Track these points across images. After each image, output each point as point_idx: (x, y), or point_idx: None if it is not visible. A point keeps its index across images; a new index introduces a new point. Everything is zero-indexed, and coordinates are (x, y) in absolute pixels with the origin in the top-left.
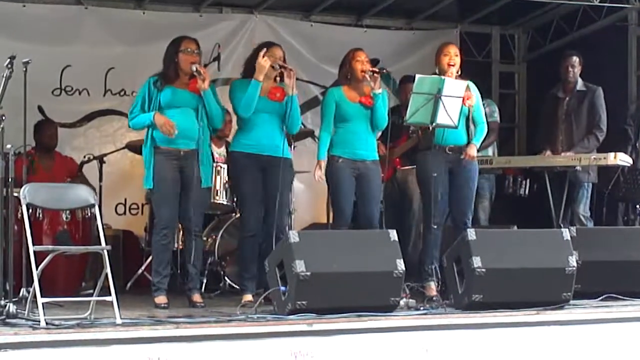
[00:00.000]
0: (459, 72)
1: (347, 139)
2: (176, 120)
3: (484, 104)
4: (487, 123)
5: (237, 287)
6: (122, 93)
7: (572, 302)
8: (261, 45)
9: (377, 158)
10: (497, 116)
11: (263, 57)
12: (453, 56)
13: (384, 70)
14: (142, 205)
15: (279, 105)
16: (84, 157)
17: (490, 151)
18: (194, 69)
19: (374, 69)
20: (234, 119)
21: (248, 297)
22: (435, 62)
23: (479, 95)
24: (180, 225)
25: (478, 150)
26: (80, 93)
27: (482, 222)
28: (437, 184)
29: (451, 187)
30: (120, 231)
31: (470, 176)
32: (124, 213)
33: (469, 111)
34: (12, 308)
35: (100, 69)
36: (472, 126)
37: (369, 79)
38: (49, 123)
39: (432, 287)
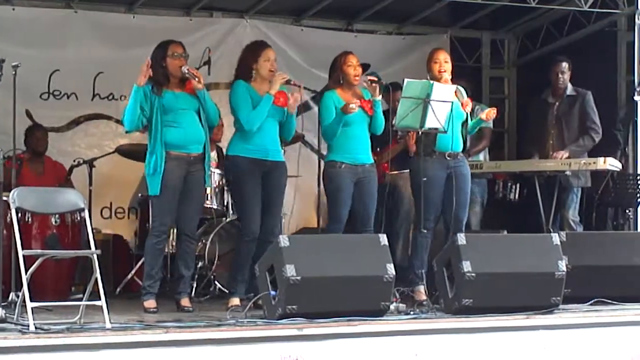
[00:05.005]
0: (450, 77)
1: (348, 144)
2: (184, 124)
3: (478, 109)
4: (480, 129)
5: (227, 292)
6: (110, 97)
7: (561, 306)
8: (253, 45)
9: (373, 161)
10: (490, 122)
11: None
12: (443, 63)
13: (383, 82)
14: (128, 209)
15: (282, 110)
16: (74, 161)
17: (481, 156)
18: (185, 71)
19: (373, 78)
20: (226, 122)
21: (235, 300)
22: (427, 69)
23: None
24: (174, 228)
25: (469, 156)
26: (68, 97)
27: (474, 226)
28: (430, 189)
29: (448, 193)
30: (110, 235)
31: (466, 182)
32: (110, 217)
33: (466, 117)
34: (1, 312)
35: (89, 73)
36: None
37: (367, 88)
38: (39, 128)
39: (422, 292)
